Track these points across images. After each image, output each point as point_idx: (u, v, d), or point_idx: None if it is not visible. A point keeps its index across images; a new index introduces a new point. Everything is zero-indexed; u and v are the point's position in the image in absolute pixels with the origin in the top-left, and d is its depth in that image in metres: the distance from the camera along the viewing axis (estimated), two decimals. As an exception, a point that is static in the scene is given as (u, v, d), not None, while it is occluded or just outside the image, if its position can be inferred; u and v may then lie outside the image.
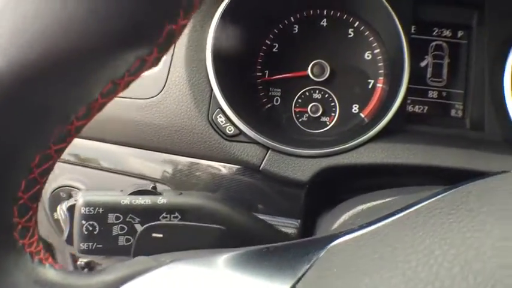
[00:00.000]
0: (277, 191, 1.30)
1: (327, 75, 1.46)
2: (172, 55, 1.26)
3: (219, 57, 1.30)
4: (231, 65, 1.38)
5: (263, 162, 1.23)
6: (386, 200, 1.05)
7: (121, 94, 1.24)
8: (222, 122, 1.24)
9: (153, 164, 1.37)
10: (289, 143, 1.29)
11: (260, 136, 1.25)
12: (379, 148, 1.29)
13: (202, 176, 1.33)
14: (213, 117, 1.24)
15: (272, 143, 1.26)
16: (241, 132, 1.24)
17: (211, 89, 1.27)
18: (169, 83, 1.27)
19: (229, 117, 1.27)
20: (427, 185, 1.25)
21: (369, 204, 1.06)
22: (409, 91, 1.46)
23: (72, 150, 1.43)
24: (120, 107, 1.32)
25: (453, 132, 1.47)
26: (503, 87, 1.35)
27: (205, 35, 1.29)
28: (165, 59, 1.26)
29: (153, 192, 1.02)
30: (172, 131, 1.28)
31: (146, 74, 1.42)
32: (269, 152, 1.24)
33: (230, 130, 1.24)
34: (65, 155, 0.97)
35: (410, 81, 1.45)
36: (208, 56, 1.29)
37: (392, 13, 1.36)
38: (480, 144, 1.36)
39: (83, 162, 1.45)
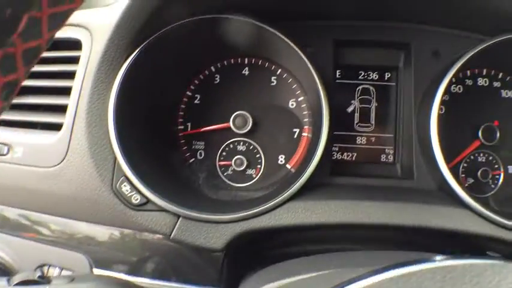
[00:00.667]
0: (194, 258, 1.23)
1: (250, 126, 1.39)
2: (74, 121, 1.17)
3: (123, 121, 1.22)
4: (141, 127, 1.32)
5: (174, 231, 1.17)
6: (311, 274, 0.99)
7: (23, 162, 1.18)
8: (127, 191, 1.17)
9: (67, 230, 1.32)
10: (202, 209, 1.21)
11: (169, 204, 1.19)
12: (299, 207, 1.23)
13: (115, 244, 1.25)
14: (118, 186, 1.15)
15: (182, 211, 1.19)
16: (148, 200, 1.15)
17: (115, 157, 1.15)
18: (70, 151, 1.20)
19: (135, 186, 1.18)
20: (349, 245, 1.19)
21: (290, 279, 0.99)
22: (334, 138, 1.44)
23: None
24: (23, 175, 1.27)
25: (381, 183, 1.42)
26: (430, 131, 1.29)
27: (107, 99, 1.20)
28: (67, 124, 1.19)
29: (39, 282, 0.93)
30: (76, 201, 1.23)
31: (48, 141, 1.38)
32: (180, 219, 1.18)
33: (136, 199, 1.16)
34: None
35: (335, 128, 1.42)
36: (111, 121, 1.21)
37: (305, 59, 1.31)
38: (408, 194, 1.30)
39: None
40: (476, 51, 1.30)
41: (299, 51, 1.29)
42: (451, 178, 1.25)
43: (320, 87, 1.26)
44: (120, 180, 1.15)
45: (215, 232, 1.16)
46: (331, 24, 1.41)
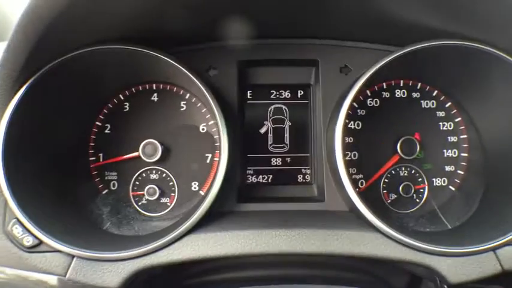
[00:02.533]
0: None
1: (160, 154, 1.34)
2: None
3: (15, 161, 1.18)
4: (41, 163, 1.27)
5: (68, 271, 1.13)
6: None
7: None
8: (18, 233, 1.13)
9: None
10: (100, 247, 1.17)
11: (62, 245, 1.15)
12: (198, 239, 1.18)
13: (11, 286, 1.20)
14: (9, 228, 1.12)
15: (76, 251, 1.15)
16: (41, 242, 1.13)
17: (6, 199, 1.12)
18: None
19: (26, 228, 1.16)
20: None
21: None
22: (248, 161, 1.41)
23: None
24: None
25: (290, 207, 1.39)
26: (335, 151, 1.25)
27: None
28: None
29: None
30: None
31: None
32: (74, 259, 1.13)
33: (28, 241, 1.13)
34: None
35: (249, 151, 1.40)
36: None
37: (198, 83, 1.29)
38: (317, 218, 1.25)
39: None
40: (382, 64, 1.26)
41: (191, 76, 1.27)
42: (359, 201, 1.21)
43: (216, 111, 1.20)
44: (12, 222, 1.12)
45: (111, 271, 1.12)
46: (236, 44, 1.33)
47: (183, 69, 1.21)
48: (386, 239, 1.14)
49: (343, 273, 1.34)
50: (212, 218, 1.21)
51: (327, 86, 1.33)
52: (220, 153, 1.20)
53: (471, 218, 1.29)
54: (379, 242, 1.15)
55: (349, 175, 1.21)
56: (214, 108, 1.21)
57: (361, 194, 1.25)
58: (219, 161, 1.20)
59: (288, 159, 1.39)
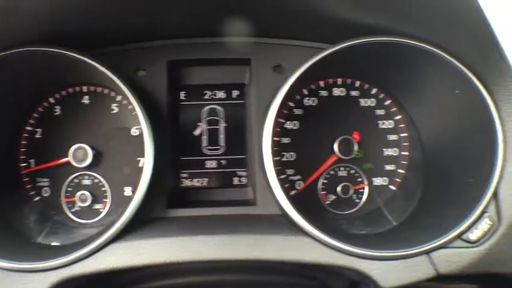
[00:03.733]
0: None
1: (90, 159, 1.29)
2: None
3: None
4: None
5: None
6: None
7: None
8: None
9: None
10: (24, 257, 1.13)
11: None
12: (122, 248, 1.14)
13: None
14: None
15: None
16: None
17: None
18: None
19: None
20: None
21: None
22: (182, 164, 1.38)
23: None
24: None
25: (221, 212, 1.35)
26: (263, 155, 1.23)
27: None
28: None
29: None
30: None
31: None
32: (-4, 270, 1.07)
33: None
34: None
35: (182, 153, 1.38)
36: None
37: (122, 85, 1.24)
38: (247, 223, 1.24)
39: None
40: (312, 62, 1.23)
41: (114, 78, 1.23)
42: (288, 205, 1.18)
43: (141, 113, 1.16)
44: None
45: (33, 282, 1.09)
46: (166, 44, 1.29)
47: (105, 71, 1.16)
48: (316, 243, 1.11)
49: (282, 278, 1.29)
50: (140, 225, 1.16)
51: (260, 85, 1.29)
52: (145, 157, 1.14)
53: (407, 220, 1.26)
54: (308, 247, 1.12)
55: (279, 177, 1.16)
56: (138, 110, 1.17)
57: (296, 197, 1.22)
58: (143, 166, 1.14)
59: (223, 162, 1.35)
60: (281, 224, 1.16)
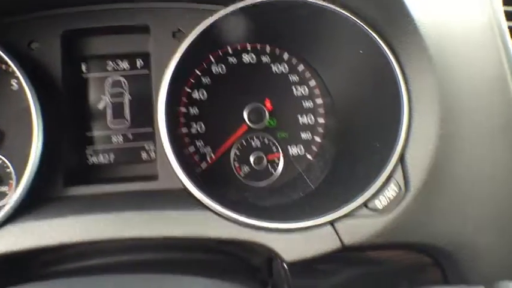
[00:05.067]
0: None
1: None
2: None
3: None
4: None
5: None
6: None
7: None
8: None
9: None
10: None
11: None
12: (13, 231, 1.08)
13: None
14: None
15: None
16: None
17: None
18: None
19: None
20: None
21: None
22: (87, 140, 1.31)
23: None
24: None
25: (124, 188, 1.27)
26: (158, 126, 1.17)
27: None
28: None
29: None
30: None
31: None
32: None
33: None
34: None
35: (87, 128, 1.30)
36: None
37: (7, 59, 1.16)
38: (149, 199, 1.18)
39: None
40: (207, 25, 1.17)
41: (1, 52, 1.15)
42: (185, 178, 1.13)
43: (26, 88, 1.09)
44: None
45: None
46: (59, 13, 1.20)
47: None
48: (218, 218, 1.06)
49: (199, 255, 1.22)
50: (37, 205, 1.08)
51: (160, 53, 1.21)
52: (33, 134, 1.06)
53: (315, 190, 1.19)
54: (209, 222, 1.06)
55: (176, 151, 1.12)
56: (24, 85, 1.07)
57: (206, 170, 1.14)
58: (31, 144, 1.05)
59: (130, 136, 1.27)
60: (183, 199, 1.09)
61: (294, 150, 1.32)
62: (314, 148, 1.32)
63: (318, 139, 1.32)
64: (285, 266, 1.06)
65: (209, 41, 1.18)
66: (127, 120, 1.29)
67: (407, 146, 1.06)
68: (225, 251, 1.25)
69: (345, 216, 1.05)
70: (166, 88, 1.10)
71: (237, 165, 1.29)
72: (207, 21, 1.14)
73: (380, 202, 1.05)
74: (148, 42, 1.26)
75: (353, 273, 1.16)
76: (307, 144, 1.32)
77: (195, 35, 1.14)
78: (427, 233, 1.07)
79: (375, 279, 1.13)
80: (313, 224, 1.03)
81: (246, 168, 1.30)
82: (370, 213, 1.05)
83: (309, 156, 1.31)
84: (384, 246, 1.07)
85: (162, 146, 1.14)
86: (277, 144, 1.31)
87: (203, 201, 1.07)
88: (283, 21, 1.18)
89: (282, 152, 1.32)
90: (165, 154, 1.11)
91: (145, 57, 1.28)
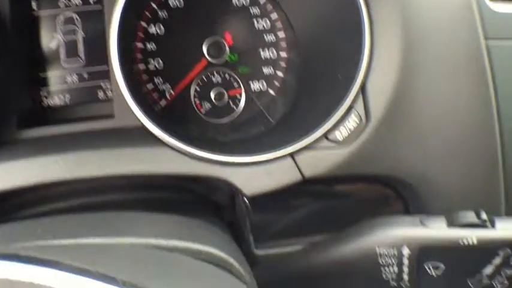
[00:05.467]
0: None
1: None
2: None
3: None
4: None
5: None
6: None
7: None
8: None
9: None
10: None
11: None
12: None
13: None
14: None
15: None
16: None
17: None
18: None
19: None
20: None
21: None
22: (41, 81, 1.25)
23: None
24: None
25: (78, 128, 1.22)
26: (111, 59, 1.12)
27: None
28: None
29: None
30: None
31: None
32: None
33: None
34: None
35: (40, 69, 1.24)
36: None
37: None
38: (106, 137, 1.16)
39: None
40: None
41: None
42: (144, 117, 1.10)
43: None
44: None
45: None
46: None
47: None
48: (176, 153, 1.02)
49: (161, 194, 1.20)
50: None
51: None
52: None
53: (278, 124, 1.16)
54: (167, 158, 1.03)
55: (132, 88, 1.08)
56: None
57: (166, 107, 1.10)
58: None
59: (85, 75, 1.21)
60: (141, 136, 1.05)
61: (256, 85, 1.28)
62: (276, 83, 1.28)
63: (280, 74, 1.28)
64: (246, 201, 1.03)
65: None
66: (81, 59, 1.24)
67: (368, 76, 1.03)
68: (188, 189, 1.22)
69: (305, 148, 1.03)
70: (118, 23, 1.06)
71: (197, 101, 1.26)
72: None
73: (340, 133, 1.03)
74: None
75: (316, 207, 1.14)
76: (269, 79, 1.29)
77: None
78: (387, 164, 1.05)
79: (337, 212, 1.11)
80: (273, 156, 1.00)
81: (207, 105, 1.27)
82: (330, 145, 1.03)
83: (271, 92, 1.28)
84: (344, 178, 1.05)
85: (117, 84, 1.06)
86: (238, 79, 1.26)
87: (161, 138, 1.05)
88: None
89: (244, 88, 1.26)
90: (121, 91, 1.04)
91: (97, -10, 1.21)
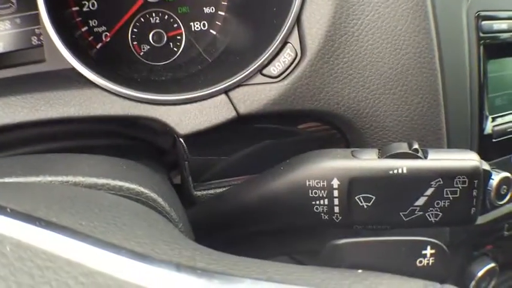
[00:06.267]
0: None
1: None
2: None
3: None
4: None
5: None
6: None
7: None
8: None
9: None
10: None
11: None
12: None
13: None
14: None
15: None
16: None
17: None
18: None
19: None
20: None
21: None
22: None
23: None
24: None
25: (14, 73, 1.17)
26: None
27: None
28: None
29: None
30: None
31: None
32: None
33: None
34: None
35: None
36: None
37: None
38: (36, 82, 1.11)
39: None
40: None
41: None
42: (73, 60, 1.05)
43: None
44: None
45: None
46: None
47: None
48: (108, 94, 0.98)
49: (104, 141, 1.16)
50: None
51: None
52: None
53: (212, 62, 1.12)
54: (99, 99, 0.97)
55: (61, 31, 1.02)
56: None
57: (102, 49, 1.05)
58: None
59: (18, 21, 1.15)
60: (73, 79, 1.01)
61: (196, 25, 1.22)
62: (218, 22, 1.23)
63: (221, 13, 1.22)
64: (182, 141, 1.00)
65: None
66: (13, 4, 1.17)
67: (303, 9, 0.99)
68: (131, 136, 1.19)
69: (240, 85, 0.98)
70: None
71: (135, 43, 1.20)
72: None
73: (275, 68, 0.99)
74: None
75: (258, 147, 1.11)
76: (210, 18, 1.23)
77: None
78: (324, 99, 1.02)
79: (279, 151, 1.09)
80: (207, 93, 0.97)
81: (145, 47, 1.21)
82: (265, 81, 1.00)
83: (212, 31, 1.23)
84: (281, 114, 1.02)
85: (45, 28, 1.01)
86: (178, 20, 1.21)
87: (91, 79, 1.01)
88: None
89: (184, 28, 1.21)
90: (49, 35, 1.00)
91: None
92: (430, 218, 0.83)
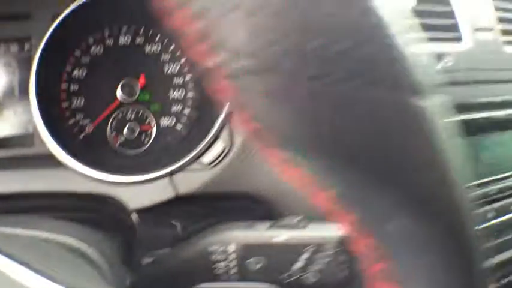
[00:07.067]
0: None
1: None
2: None
3: None
4: None
5: None
6: None
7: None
8: None
9: None
10: None
11: None
12: None
13: None
14: None
15: None
16: None
17: None
18: None
19: None
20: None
21: None
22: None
23: None
24: None
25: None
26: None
27: None
28: None
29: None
30: None
31: None
32: None
33: None
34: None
35: None
36: None
37: None
38: (22, 162, 1.34)
39: None
40: (68, 11, 1.33)
41: None
42: (52, 146, 1.31)
43: None
44: None
45: None
46: None
47: None
48: (75, 174, 1.23)
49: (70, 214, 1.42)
50: None
51: (40, 38, 1.39)
52: None
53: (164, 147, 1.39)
54: (66, 178, 1.23)
55: (49, 122, 1.32)
56: None
57: (85, 138, 1.35)
58: None
59: (20, 109, 1.46)
60: (51, 161, 1.29)
61: (165, 121, 1.50)
62: (183, 119, 1.50)
63: (187, 111, 1.50)
64: (134, 215, 1.25)
65: (81, 23, 1.37)
66: (17, 97, 1.48)
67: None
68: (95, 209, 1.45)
69: (181, 169, 1.23)
70: (35, 68, 1.31)
71: (113, 134, 1.48)
72: (77, 3, 1.32)
73: (208, 157, 1.24)
74: (28, 28, 1.45)
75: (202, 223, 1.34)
76: (178, 115, 1.50)
77: (64, 16, 1.33)
78: (250, 183, 1.25)
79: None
80: (152, 176, 1.22)
81: (121, 137, 1.49)
82: (201, 167, 1.24)
83: (178, 127, 1.50)
84: (214, 196, 1.25)
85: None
86: (151, 116, 1.50)
87: (66, 162, 1.29)
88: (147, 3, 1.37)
89: (156, 123, 1.49)
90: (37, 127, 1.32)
91: (29, 41, 1.48)
92: (310, 279, 1.04)
